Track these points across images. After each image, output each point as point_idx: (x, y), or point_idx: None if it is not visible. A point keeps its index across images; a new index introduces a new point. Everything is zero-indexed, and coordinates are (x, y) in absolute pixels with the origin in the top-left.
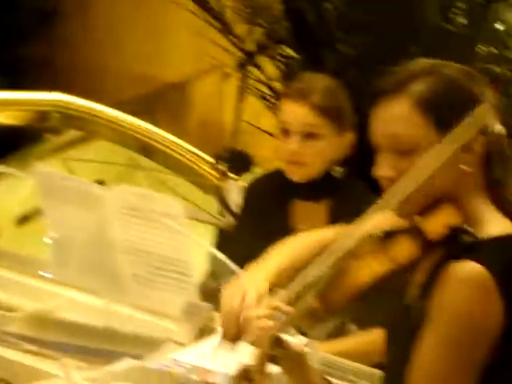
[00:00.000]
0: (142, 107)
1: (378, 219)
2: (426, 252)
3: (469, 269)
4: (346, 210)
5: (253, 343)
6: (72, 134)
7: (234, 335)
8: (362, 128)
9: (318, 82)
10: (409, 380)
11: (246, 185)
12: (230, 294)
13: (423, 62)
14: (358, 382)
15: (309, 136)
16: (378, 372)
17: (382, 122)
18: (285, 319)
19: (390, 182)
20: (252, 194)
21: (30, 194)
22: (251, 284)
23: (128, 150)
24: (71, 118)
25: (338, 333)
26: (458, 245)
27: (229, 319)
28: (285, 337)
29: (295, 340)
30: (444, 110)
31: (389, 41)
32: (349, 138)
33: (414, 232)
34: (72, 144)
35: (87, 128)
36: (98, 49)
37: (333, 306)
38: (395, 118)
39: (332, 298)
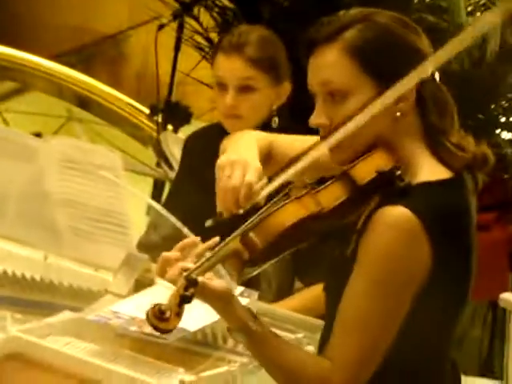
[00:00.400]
0: (79, 59)
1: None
2: (358, 198)
3: (397, 213)
4: None
5: (169, 282)
6: (8, 85)
7: (231, 211)
8: (297, 78)
9: (251, 34)
10: (336, 322)
11: (184, 137)
12: (230, 167)
13: (356, 11)
14: (296, 331)
15: (245, 89)
16: (320, 322)
17: (315, 69)
18: (205, 261)
19: (325, 130)
20: (190, 147)
21: None
22: (250, 159)
23: (65, 101)
24: (7, 70)
25: (286, 291)
26: (391, 190)
27: (228, 194)
28: (209, 278)
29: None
30: (376, 57)
31: None
32: (286, 87)
33: (344, 177)
34: (8, 96)
35: (24, 80)
36: (32, 1)
37: (255, 248)
38: (326, 64)
39: (254, 240)
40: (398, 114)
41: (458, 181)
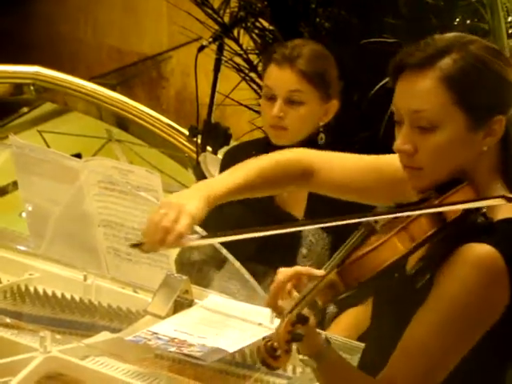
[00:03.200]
0: (119, 80)
1: None
2: (443, 233)
3: (483, 252)
4: None
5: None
6: (49, 106)
7: (154, 245)
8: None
9: (305, 48)
10: (401, 350)
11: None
12: (168, 207)
13: (451, 37)
14: None
15: (293, 101)
16: (359, 344)
17: (406, 96)
18: (307, 295)
19: (408, 157)
20: (230, 159)
21: (6, 167)
22: (189, 205)
23: (105, 123)
24: (48, 91)
25: (321, 314)
26: (472, 225)
27: (157, 232)
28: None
29: None
30: (469, 89)
31: (365, 13)
32: (334, 105)
33: (435, 212)
34: (48, 117)
35: (64, 101)
36: (74, 23)
37: (353, 282)
38: (420, 93)
39: (354, 274)
40: (485, 148)
41: None
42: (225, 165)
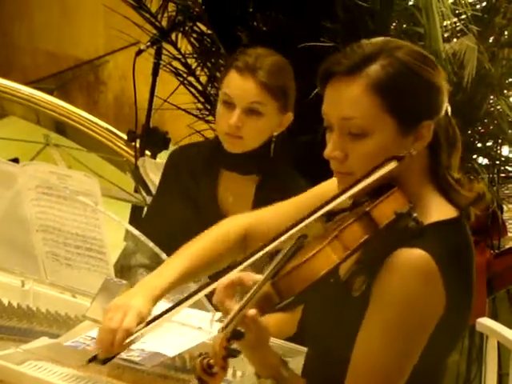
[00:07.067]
0: (56, 85)
1: None
2: (375, 238)
3: (415, 256)
4: (272, 186)
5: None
6: None
7: (106, 351)
8: None
9: (268, 59)
10: (354, 368)
11: (162, 162)
12: (114, 311)
13: (378, 42)
14: None
15: (252, 112)
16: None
17: (335, 104)
18: (242, 307)
19: (339, 163)
20: (176, 160)
21: None
22: (135, 303)
23: (42, 127)
24: None
25: None
26: (404, 230)
27: (105, 335)
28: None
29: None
30: (397, 96)
31: (302, 17)
32: (289, 117)
33: (365, 218)
34: None
35: (1, 105)
36: (10, 27)
37: (288, 294)
38: (349, 101)
39: (288, 286)
40: (414, 152)
41: (463, 219)
42: (173, 164)
